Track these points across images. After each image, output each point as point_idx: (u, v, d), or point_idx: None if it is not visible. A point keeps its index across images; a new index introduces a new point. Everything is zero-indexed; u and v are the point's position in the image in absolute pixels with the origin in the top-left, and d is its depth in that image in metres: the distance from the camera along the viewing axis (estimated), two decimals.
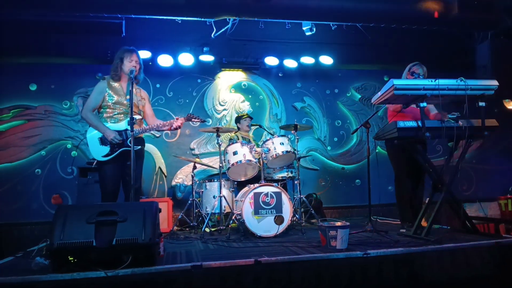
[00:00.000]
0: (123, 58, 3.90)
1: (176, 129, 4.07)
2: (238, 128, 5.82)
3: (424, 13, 5.33)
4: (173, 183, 6.31)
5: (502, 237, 3.61)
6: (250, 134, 6.09)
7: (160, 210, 3.05)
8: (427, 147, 4.45)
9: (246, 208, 4.16)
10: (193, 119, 4.20)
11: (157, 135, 6.30)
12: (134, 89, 3.92)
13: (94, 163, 3.83)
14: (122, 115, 3.87)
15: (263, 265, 2.86)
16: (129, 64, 3.87)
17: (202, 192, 5.16)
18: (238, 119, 5.90)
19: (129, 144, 3.78)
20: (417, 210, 4.16)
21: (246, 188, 4.53)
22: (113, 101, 3.86)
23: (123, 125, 3.84)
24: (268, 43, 6.51)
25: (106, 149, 3.78)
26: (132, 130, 3.48)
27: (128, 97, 3.84)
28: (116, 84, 3.93)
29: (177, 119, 4.06)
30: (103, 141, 3.80)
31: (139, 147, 3.88)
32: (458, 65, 6.53)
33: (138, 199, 3.88)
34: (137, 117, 3.89)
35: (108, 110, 3.87)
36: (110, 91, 3.88)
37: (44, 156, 5.94)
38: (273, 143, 4.65)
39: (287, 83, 6.94)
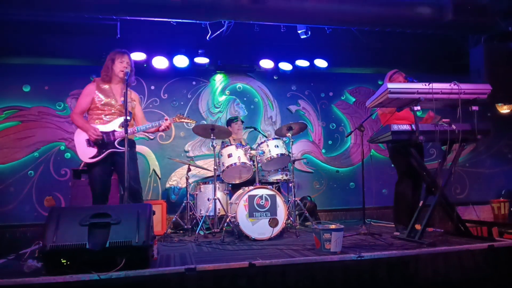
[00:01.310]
0: (114, 59, 3.90)
1: (164, 130, 4.04)
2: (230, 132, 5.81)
3: (419, 17, 5.36)
4: (167, 185, 6.29)
5: (495, 240, 3.64)
6: (244, 137, 6.08)
7: (154, 213, 3.04)
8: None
9: (240, 211, 4.16)
10: (182, 120, 4.17)
11: (151, 137, 6.28)
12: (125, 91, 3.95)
13: (82, 164, 3.82)
14: (110, 116, 3.86)
15: (258, 268, 2.85)
16: (120, 65, 3.87)
17: (197, 194, 5.15)
18: (229, 123, 5.88)
19: (117, 146, 3.77)
20: (412, 212, 4.17)
21: (240, 191, 4.52)
22: (102, 103, 3.85)
23: (110, 126, 3.82)
24: (263, 46, 6.53)
25: (93, 150, 3.77)
26: (126, 132, 3.46)
27: (122, 98, 3.83)
28: (105, 86, 3.91)
29: (166, 119, 4.03)
30: (89, 142, 3.79)
31: (128, 148, 3.83)
32: (452, 68, 6.58)
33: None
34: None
35: (97, 111, 3.86)
36: (98, 93, 3.87)
37: (37, 157, 5.90)
38: (267, 145, 4.65)
39: (282, 86, 6.95)
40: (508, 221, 6.35)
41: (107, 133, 3.80)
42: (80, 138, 3.82)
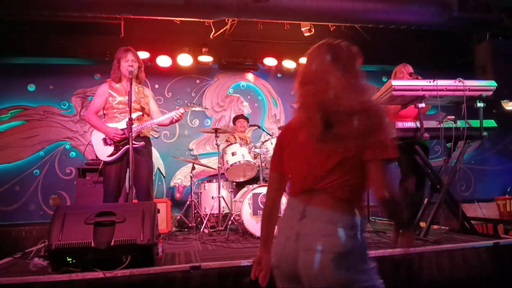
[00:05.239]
0: (120, 59, 3.90)
1: (178, 120, 4.01)
2: (235, 129, 5.83)
3: (424, 14, 5.34)
4: (172, 183, 6.31)
5: (501, 237, 3.62)
6: (247, 135, 6.09)
7: (158, 211, 3.05)
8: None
9: (244, 209, 4.16)
10: (193, 108, 4.15)
11: (155, 136, 6.29)
12: (137, 88, 3.97)
13: (101, 164, 3.82)
14: (124, 114, 3.86)
15: None
16: (125, 64, 3.87)
17: (201, 193, 5.16)
18: (234, 120, 5.90)
19: (133, 142, 3.78)
20: (416, 210, 4.15)
21: (245, 189, 4.53)
22: (116, 102, 3.88)
23: (123, 124, 3.83)
24: (267, 44, 6.52)
25: (111, 149, 3.79)
26: (130, 131, 3.47)
27: (132, 97, 3.85)
28: (117, 85, 3.94)
29: (177, 108, 4.01)
30: (106, 141, 3.81)
31: (142, 142, 3.83)
32: (457, 65, 6.55)
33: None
34: (137, 113, 3.88)
35: (112, 110, 3.89)
36: (112, 92, 3.89)
37: (43, 156, 5.93)
38: (271, 143, 4.65)
39: (285, 83, 6.93)
40: None
41: (122, 130, 3.82)
42: (96, 138, 3.84)
